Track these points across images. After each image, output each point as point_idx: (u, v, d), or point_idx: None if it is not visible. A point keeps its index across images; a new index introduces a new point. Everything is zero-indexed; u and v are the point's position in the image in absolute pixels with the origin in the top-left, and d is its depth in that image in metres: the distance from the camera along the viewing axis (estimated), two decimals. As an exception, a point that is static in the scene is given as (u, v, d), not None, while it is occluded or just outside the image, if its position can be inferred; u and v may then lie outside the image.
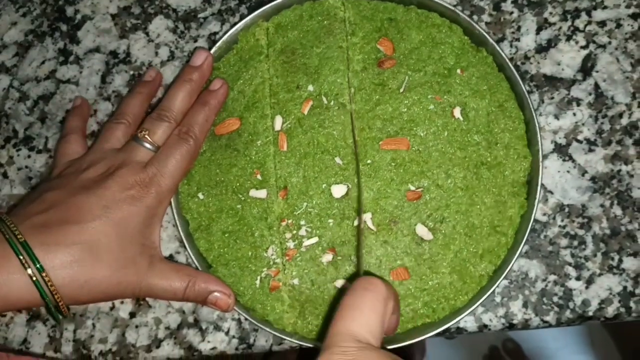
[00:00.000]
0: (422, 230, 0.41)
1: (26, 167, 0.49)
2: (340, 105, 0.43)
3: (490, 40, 0.43)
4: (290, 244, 0.42)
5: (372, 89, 0.44)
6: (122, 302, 0.46)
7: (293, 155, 0.43)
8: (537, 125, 0.41)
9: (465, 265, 0.41)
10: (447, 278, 0.41)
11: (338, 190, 0.42)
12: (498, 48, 0.43)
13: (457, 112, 0.43)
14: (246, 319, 0.44)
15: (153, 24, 0.49)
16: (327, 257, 0.42)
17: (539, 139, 0.41)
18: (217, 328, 0.45)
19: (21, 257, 0.37)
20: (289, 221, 0.43)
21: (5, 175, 0.49)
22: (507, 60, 0.42)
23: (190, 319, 0.45)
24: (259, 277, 0.42)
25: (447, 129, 0.42)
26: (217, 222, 0.44)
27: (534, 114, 0.41)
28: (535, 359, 1.34)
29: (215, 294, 0.41)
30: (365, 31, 0.45)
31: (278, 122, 0.44)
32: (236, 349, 0.45)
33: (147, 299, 0.46)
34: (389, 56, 0.44)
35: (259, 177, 0.43)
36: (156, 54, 0.49)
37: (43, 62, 0.50)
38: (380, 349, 0.30)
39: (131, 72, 0.49)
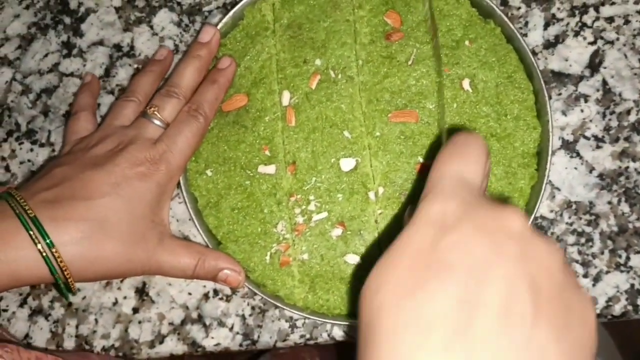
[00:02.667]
0: None
1: (29, 160, 0.48)
2: (348, 78, 0.43)
3: (498, 12, 0.43)
4: (300, 219, 0.42)
5: (380, 61, 0.43)
6: (125, 298, 0.46)
7: (301, 130, 0.43)
8: (545, 95, 0.41)
9: None
10: None
11: (347, 164, 0.42)
12: (506, 19, 0.42)
13: (465, 84, 0.42)
14: (250, 315, 0.44)
15: (157, 17, 0.49)
16: (337, 232, 0.42)
17: (549, 109, 0.41)
18: (221, 324, 0.45)
19: (31, 233, 0.37)
20: (298, 196, 0.42)
21: (7, 169, 0.48)
22: (516, 32, 0.42)
23: (194, 315, 0.45)
24: (268, 253, 0.42)
25: (456, 101, 0.42)
26: (226, 198, 0.43)
27: (542, 85, 0.41)
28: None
29: (226, 271, 0.41)
30: (373, 4, 0.44)
31: (286, 97, 0.44)
32: (240, 345, 0.45)
33: (150, 293, 0.45)
34: (396, 29, 0.44)
35: (267, 152, 0.43)
36: (161, 47, 0.48)
37: (46, 55, 0.50)
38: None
39: (135, 66, 0.48)
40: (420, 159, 0.42)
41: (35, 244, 0.37)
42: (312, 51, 0.44)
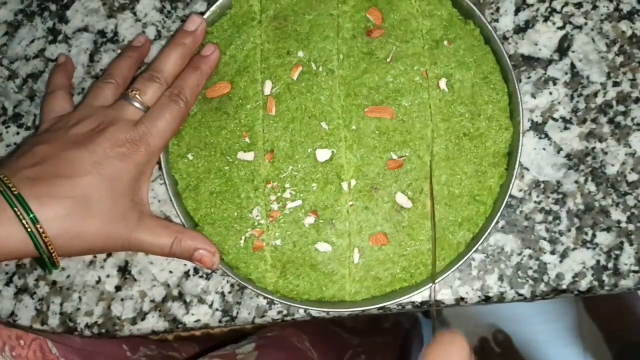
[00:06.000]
0: (402, 199, 0.42)
1: (15, 144, 0.50)
2: (328, 71, 0.44)
3: (478, 13, 0.44)
4: (275, 206, 0.43)
5: (360, 57, 0.44)
6: (107, 276, 0.47)
7: (281, 119, 0.44)
8: (519, 97, 0.42)
9: (444, 233, 0.42)
10: (425, 245, 0.42)
11: (323, 155, 0.43)
12: (485, 21, 0.44)
13: (442, 83, 0.44)
14: (229, 292, 0.45)
15: (140, 4, 0.50)
16: (310, 220, 0.43)
17: (521, 110, 0.42)
18: (201, 301, 0.46)
19: (16, 209, 0.38)
20: (274, 184, 0.44)
21: (-6, 152, 0.50)
22: (494, 33, 0.43)
23: (175, 292, 0.46)
24: (243, 237, 0.44)
25: (431, 100, 0.43)
26: (205, 182, 0.45)
27: (517, 87, 0.42)
28: (525, 351, 1.35)
29: (201, 251, 0.42)
30: (356, 0, 0.45)
31: (267, 86, 0.45)
32: (219, 321, 0.46)
33: (132, 272, 0.46)
34: (377, 26, 0.45)
35: (247, 140, 0.44)
36: (143, 33, 0.50)
37: (32, 41, 0.51)
38: None
39: (119, 51, 0.50)
40: (393, 155, 0.43)
41: (20, 221, 0.38)
42: (296, 43, 0.45)
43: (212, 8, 0.46)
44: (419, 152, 0.43)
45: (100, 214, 0.40)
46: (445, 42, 0.44)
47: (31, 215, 0.38)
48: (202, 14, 0.46)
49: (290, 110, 0.44)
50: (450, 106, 0.43)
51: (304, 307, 0.43)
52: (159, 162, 0.45)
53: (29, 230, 0.38)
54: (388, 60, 0.44)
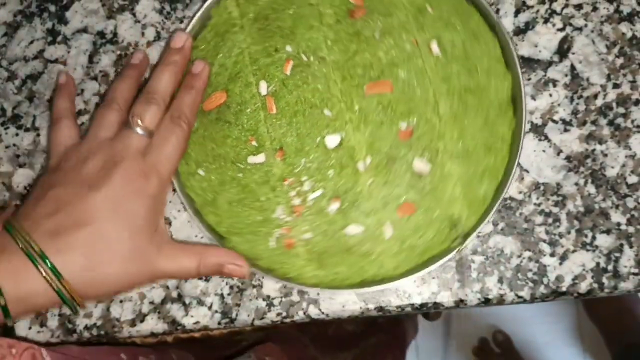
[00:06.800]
0: (419, 165, 0.42)
1: (14, 145, 0.49)
2: (320, 59, 0.44)
3: None
4: (296, 201, 0.43)
5: (348, 39, 0.44)
6: (107, 278, 0.47)
7: (283, 115, 0.44)
8: (511, 46, 0.43)
9: (467, 189, 0.42)
10: (452, 205, 0.42)
11: (332, 141, 0.43)
12: None
13: (434, 47, 0.44)
14: (228, 294, 0.45)
15: (140, 5, 0.50)
16: (334, 207, 0.43)
17: (516, 58, 0.43)
18: (200, 303, 0.46)
19: (40, 268, 0.38)
20: (291, 179, 0.44)
21: (-7, 153, 0.49)
22: None
23: (174, 294, 0.46)
24: (272, 239, 0.43)
25: (427, 65, 0.43)
26: (222, 194, 0.44)
27: (507, 38, 0.43)
28: (524, 352, 1.36)
29: (229, 266, 0.42)
30: None
31: (263, 87, 0.45)
32: (219, 323, 0.46)
33: (131, 274, 0.46)
34: (359, 6, 0.45)
35: (254, 143, 0.44)
36: (142, 34, 0.50)
37: (31, 42, 0.51)
38: None
39: (118, 52, 0.50)
40: (402, 126, 0.43)
41: (45, 279, 0.38)
42: (282, 39, 0.45)
43: (192, 22, 0.46)
44: (425, 115, 0.43)
45: (121, 258, 0.40)
46: (429, 8, 0.44)
47: (55, 272, 0.38)
48: (185, 29, 0.46)
49: (291, 105, 0.44)
50: (446, 67, 0.43)
51: (348, 290, 0.43)
52: (173, 187, 0.45)
53: (54, 286, 0.38)
54: (376, 36, 0.44)
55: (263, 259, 0.44)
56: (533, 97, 0.45)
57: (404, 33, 0.44)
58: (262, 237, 0.44)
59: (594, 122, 0.44)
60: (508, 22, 0.46)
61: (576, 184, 0.44)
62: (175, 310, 0.46)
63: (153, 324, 0.46)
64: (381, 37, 0.44)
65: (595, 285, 0.43)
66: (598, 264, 0.43)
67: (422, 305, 0.44)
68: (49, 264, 0.38)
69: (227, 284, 0.46)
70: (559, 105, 0.45)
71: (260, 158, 0.44)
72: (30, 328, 0.47)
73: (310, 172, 0.43)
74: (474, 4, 0.45)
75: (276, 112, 0.44)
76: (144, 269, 0.41)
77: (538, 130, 0.45)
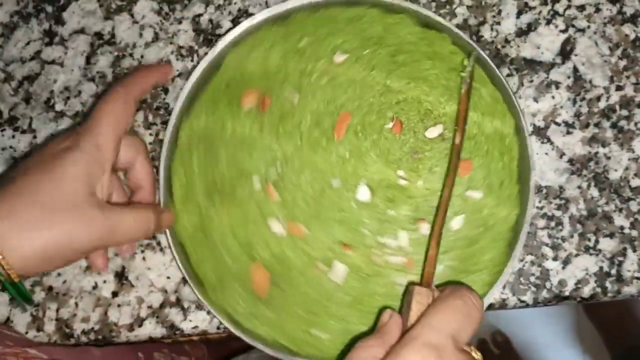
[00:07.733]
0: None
1: (10, 147, 0.49)
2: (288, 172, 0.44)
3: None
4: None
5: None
6: (104, 282, 0.46)
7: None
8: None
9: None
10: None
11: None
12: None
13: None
14: (227, 298, 0.45)
15: (138, 6, 0.49)
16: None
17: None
18: (199, 307, 0.45)
19: None
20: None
21: (-11, 155, 0.49)
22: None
23: (173, 298, 0.45)
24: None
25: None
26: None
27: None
28: (524, 353, 1.35)
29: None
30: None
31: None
32: (217, 327, 0.45)
33: (129, 278, 0.46)
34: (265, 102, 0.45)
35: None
36: (140, 35, 0.49)
37: (28, 43, 0.50)
38: None
39: (115, 54, 0.49)
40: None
41: None
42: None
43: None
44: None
45: (59, 217, 0.37)
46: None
47: None
48: (193, 30, 0.45)
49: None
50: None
51: None
52: None
53: None
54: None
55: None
56: (535, 100, 0.45)
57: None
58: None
59: (597, 125, 0.44)
60: (510, 23, 0.46)
61: (579, 187, 0.43)
62: (174, 314, 0.45)
63: (151, 329, 0.45)
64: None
65: (599, 290, 0.42)
66: (601, 268, 0.42)
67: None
68: None
69: (226, 288, 0.45)
70: (561, 107, 0.44)
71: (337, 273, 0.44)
72: (27, 332, 0.46)
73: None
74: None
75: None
76: (90, 229, 0.38)
77: (540, 132, 0.44)
